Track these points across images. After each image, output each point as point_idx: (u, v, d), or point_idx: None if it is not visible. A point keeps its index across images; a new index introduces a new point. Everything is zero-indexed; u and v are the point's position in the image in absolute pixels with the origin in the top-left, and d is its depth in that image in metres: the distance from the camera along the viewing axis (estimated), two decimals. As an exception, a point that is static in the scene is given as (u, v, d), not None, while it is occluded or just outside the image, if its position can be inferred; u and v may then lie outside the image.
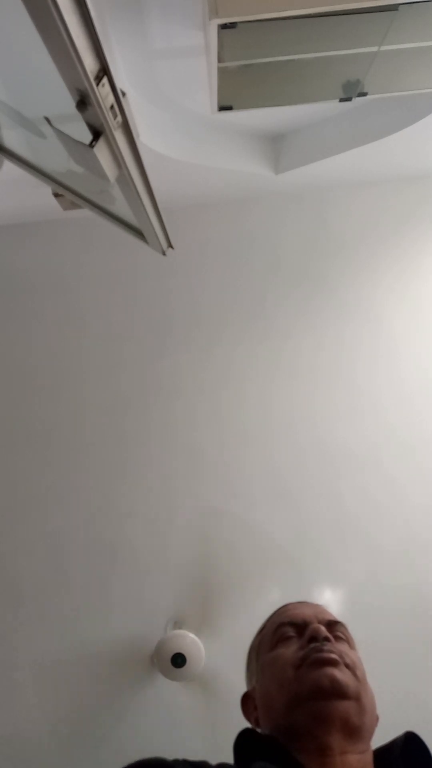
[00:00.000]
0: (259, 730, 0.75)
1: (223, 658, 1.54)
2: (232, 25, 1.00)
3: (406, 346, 1.81)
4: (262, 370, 1.82)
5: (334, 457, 1.74)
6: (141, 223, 1.10)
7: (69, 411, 1.84)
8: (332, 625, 0.78)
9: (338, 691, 0.65)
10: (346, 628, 0.80)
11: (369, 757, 0.67)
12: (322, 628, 0.74)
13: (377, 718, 0.71)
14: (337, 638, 0.76)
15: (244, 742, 0.70)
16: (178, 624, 1.61)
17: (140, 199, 0.95)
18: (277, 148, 1.77)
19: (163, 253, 1.24)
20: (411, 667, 1.56)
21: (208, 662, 1.52)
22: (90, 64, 0.60)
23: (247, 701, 0.81)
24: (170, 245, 1.22)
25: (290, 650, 0.73)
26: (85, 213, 1.28)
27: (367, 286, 1.86)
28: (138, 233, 1.18)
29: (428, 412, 1.76)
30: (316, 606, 0.84)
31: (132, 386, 1.84)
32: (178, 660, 1.47)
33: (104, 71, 0.64)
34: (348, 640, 0.77)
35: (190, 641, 1.51)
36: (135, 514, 1.74)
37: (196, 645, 1.51)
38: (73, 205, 1.28)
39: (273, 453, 1.76)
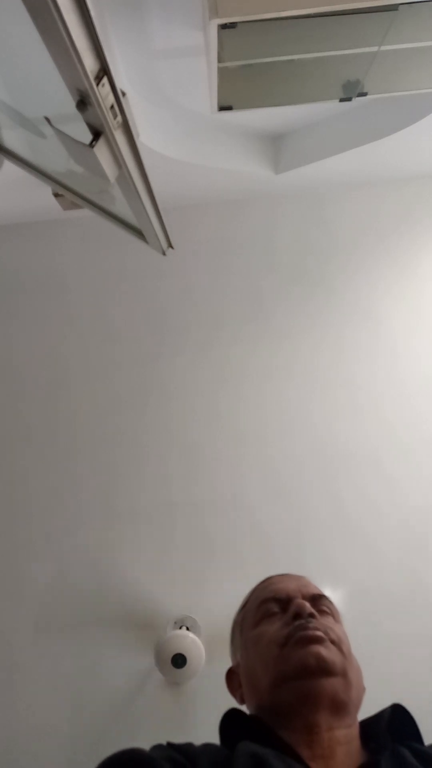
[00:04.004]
0: (244, 707, 0.74)
1: (223, 658, 1.54)
2: (232, 25, 1.00)
3: (405, 346, 1.81)
4: (261, 369, 1.82)
5: (333, 457, 1.74)
6: (141, 223, 1.10)
7: (67, 411, 1.84)
8: (316, 599, 0.77)
9: (324, 669, 0.64)
10: (330, 602, 0.78)
11: (355, 731, 0.66)
12: (307, 605, 0.72)
13: (364, 690, 0.70)
14: (322, 612, 0.74)
15: (229, 722, 0.70)
16: (178, 624, 1.61)
17: (140, 199, 0.95)
18: (277, 148, 1.77)
19: (164, 253, 1.24)
20: (410, 667, 1.56)
21: (208, 663, 1.52)
22: (90, 64, 0.61)
23: (231, 677, 0.80)
24: (170, 245, 1.22)
25: (274, 627, 0.72)
26: (85, 213, 1.28)
27: (367, 286, 1.86)
28: (138, 233, 1.18)
29: (428, 412, 1.75)
30: (300, 578, 0.83)
31: (130, 386, 1.84)
32: (179, 661, 1.47)
33: (104, 71, 0.64)
34: (333, 614, 0.76)
35: (190, 641, 1.50)
36: (134, 513, 1.74)
37: (196, 645, 1.50)
38: (73, 205, 1.28)
39: (271, 453, 1.76)
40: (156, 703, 1.60)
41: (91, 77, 0.62)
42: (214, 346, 1.85)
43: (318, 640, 0.67)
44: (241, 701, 0.77)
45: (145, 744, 0.63)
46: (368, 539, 1.67)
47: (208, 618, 1.61)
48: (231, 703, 0.83)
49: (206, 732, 0.70)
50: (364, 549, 1.67)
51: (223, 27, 1.00)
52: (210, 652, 1.53)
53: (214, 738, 0.68)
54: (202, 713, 1.55)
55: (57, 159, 1.06)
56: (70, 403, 1.84)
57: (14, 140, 1.15)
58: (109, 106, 0.68)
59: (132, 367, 1.85)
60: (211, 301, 1.88)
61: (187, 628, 1.58)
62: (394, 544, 1.67)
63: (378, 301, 1.85)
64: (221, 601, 1.65)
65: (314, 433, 1.77)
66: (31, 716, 1.62)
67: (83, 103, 0.67)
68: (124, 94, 0.74)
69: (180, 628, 1.58)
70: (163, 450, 1.79)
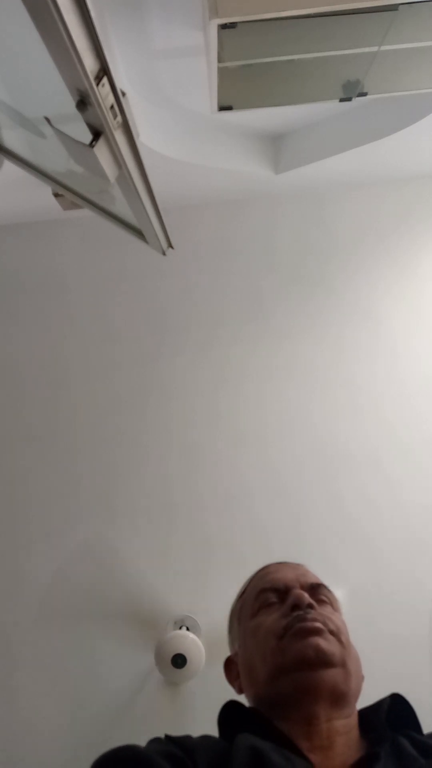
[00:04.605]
0: (243, 696, 0.74)
1: (224, 659, 1.54)
2: (232, 25, 1.00)
3: (405, 346, 1.81)
4: (261, 369, 1.82)
5: (333, 457, 1.74)
6: (141, 223, 1.10)
7: (67, 411, 1.84)
8: (315, 588, 0.76)
9: (324, 661, 0.64)
10: (329, 590, 0.78)
11: (354, 720, 0.66)
12: (305, 595, 0.72)
13: (362, 678, 0.70)
14: (320, 602, 0.74)
15: (228, 714, 0.70)
16: (178, 624, 1.61)
17: (140, 199, 0.95)
18: (277, 148, 1.77)
19: (164, 253, 1.24)
20: (410, 667, 1.56)
21: (208, 663, 1.52)
22: (90, 64, 0.61)
23: (230, 666, 0.80)
24: (170, 245, 1.22)
25: (272, 618, 0.71)
26: (85, 213, 1.28)
27: (367, 286, 1.86)
28: (138, 233, 1.18)
29: (428, 412, 1.75)
30: (297, 567, 0.82)
31: (130, 386, 1.84)
32: (179, 661, 1.47)
33: (104, 71, 0.64)
34: (331, 603, 0.75)
35: (190, 641, 1.50)
36: (134, 513, 1.74)
37: (196, 645, 1.50)
38: (73, 205, 1.28)
39: (271, 453, 1.76)
40: (156, 703, 1.60)
41: (91, 77, 0.62)
42: (214, 346, 1.85)
43: (317, 632, 0.66)
44: (240, 691, 0.77)
45: (145, 743, 0.63)
46: (368, 539, 1.67)
47: (208, 618, 1.61)
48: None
49: (206, 732, 0.70)
50: (364, 549, 1.67)
51: (223, 27, 1.00)
52: (210, 653, 1.53)
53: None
54: (201, 713, 1.55)
55: (57, 159, 1.06)
56: (70, 403, 1.84)
57: (14, 140, 1.15)
58: (109, 106, 0.68)
59: (132, 367, 1.85)
60: (211, 301, 1.88)
61: (187, 628, 1.58)
62: (394, 544, 1.67)
63: (378, 301, 1.85)
64: (221, 601, 1.65)
65: (314, 433, 1.76)
66: (31, 716, 1.62)
67: (83, 103, 0.67)
68: (124, 94, 0.74)
69: (180, 628, 1.58)
70: (163, 450, 1.79)
